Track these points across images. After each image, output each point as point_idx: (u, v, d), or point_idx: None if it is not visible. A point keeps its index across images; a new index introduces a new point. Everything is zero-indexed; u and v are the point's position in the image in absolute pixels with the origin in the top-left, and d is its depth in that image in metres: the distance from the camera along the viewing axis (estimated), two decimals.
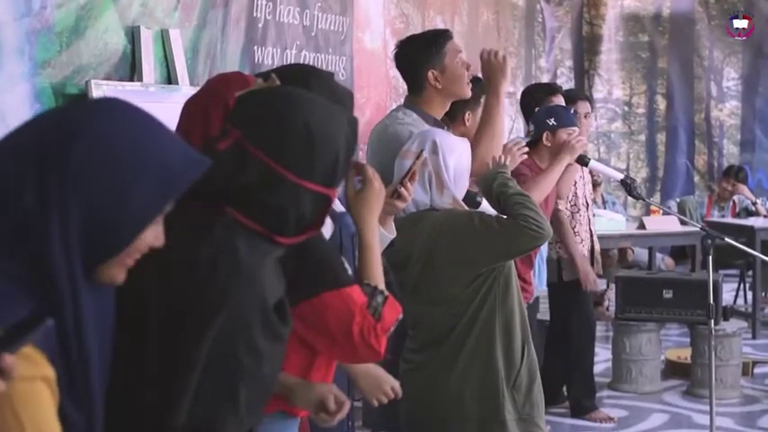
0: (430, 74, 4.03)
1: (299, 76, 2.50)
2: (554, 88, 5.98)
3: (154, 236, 1.64)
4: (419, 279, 3.54)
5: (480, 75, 4.17)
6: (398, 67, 4.24)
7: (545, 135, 5.23)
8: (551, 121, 5.21)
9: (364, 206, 2.36)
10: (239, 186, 1.96)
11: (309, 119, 2.01)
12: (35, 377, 1.51)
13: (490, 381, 3.51)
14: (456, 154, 3.52)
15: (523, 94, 6.07)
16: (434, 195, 3.53)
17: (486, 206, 3.64)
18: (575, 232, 5.82)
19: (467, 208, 3.57)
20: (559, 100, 5.69)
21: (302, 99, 2.06)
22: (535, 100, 5.72)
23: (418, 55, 4.09)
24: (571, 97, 6.04)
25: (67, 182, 1.54)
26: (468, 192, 3.60)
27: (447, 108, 4.16)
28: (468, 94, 4.10)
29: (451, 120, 4.60)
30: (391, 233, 3.20)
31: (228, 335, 1.89)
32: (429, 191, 3.52)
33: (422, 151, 3.30)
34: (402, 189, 3.18)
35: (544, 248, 5.47)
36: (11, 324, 1.44)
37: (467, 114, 4.71)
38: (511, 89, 10.80)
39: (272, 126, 2.00)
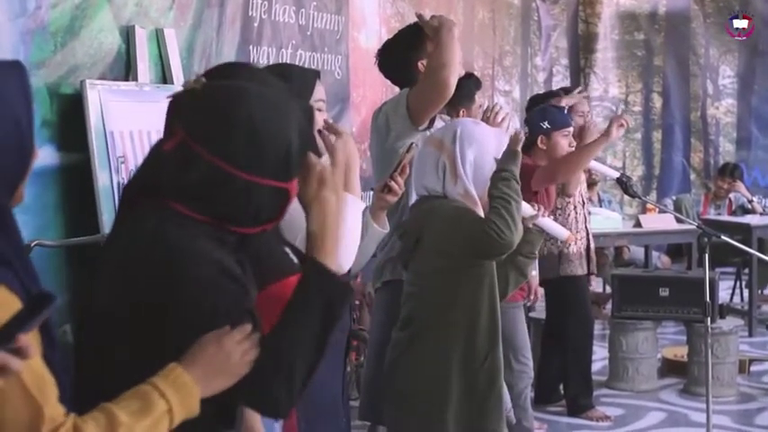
0: (420, 65, 4.06)
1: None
2: (556, 93, 5.97)
3: None
4: (411, 258, 3.57)
5: (475, 72, 4.18)
6: (386, 70, 4.25)
7: (540, 138, 5.24)
8: (545, 124, 5.23)
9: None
10: (189, 185, 1.94)
11: (253, 113, 1.95)
12: None
13: (441, 379, 3.48)
14: (478, 145, 3.47)
15: (529, 103, 6.07)
16: (447, 184, 3.51)
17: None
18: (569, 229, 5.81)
19: (477, 199, 3.51)
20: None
21: (245, 93, 1.98)
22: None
23: (406, 49, 4.12)
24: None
25: None
26: None
27: None
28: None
29: (448, 115, 4.61)
30: (384, 228, 3.19)
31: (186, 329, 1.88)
32: (441, 178, 3.49)
33: (412, 144, 3.28)
34: (392, 183, 3.18)
35: None
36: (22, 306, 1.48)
37: (461, 111, 4.73)
38: (507, 87, 10.81)
39: (216, 124, 1.95)
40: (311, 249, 1.99)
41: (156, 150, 2.01)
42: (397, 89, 4.29)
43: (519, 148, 3.45)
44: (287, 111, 2.01)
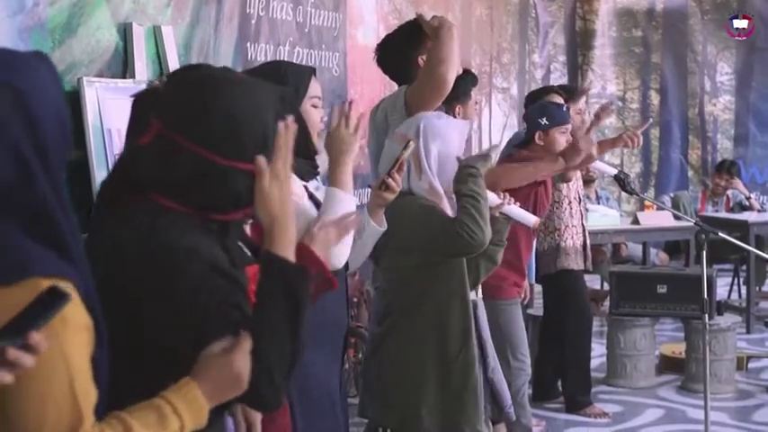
0: (419, 59, 4.07)
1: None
2: (554, 89, 5.96)
3: None
4: (382, 255, 3.57)
5: (473, 69, 4.19)
6: (385, 64, 4.25)
7: (537, 135, 5.24)
8: (543, 120, 5.22)
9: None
10: (170, 176, 1.94)
11: (229, 99, 1.96)
12: (86, 326, 1.61)
13: (416, 373, 3.49)
14: (441, 139, 3.49)
15: (527, 99, 6.06)
16: (412, 179, 3.53)
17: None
18: (566, 226, 5.82)
19: (442, 194, 3.53)
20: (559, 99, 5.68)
21: (219, 80, 2.00)
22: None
23: (405, 44, 4.13)
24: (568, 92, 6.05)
25: None
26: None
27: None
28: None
29: (444, 111, 4.61)
30: (381, 225, 3.20)
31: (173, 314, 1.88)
32: (406, 174, 3.50)
33: (410, 141, 3.29)
34: (390, 180, 3.18)
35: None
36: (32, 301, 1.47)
37: (457, 107, 4.72)
38: (504, 84, 10.81)
39: (193, 111, 1.95)
40: (264, 242, 1.97)
41: (132, 146, 2.01)
42: (395, 86, 4.29)
43: (493, 155, 3.50)
44: (261, 95, 2.02)
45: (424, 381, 3.49)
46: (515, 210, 3.70)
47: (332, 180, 2.98)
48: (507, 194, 3.76)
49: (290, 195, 1.98)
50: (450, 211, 3.57)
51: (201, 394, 1.77)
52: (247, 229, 2.36)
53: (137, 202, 1.95)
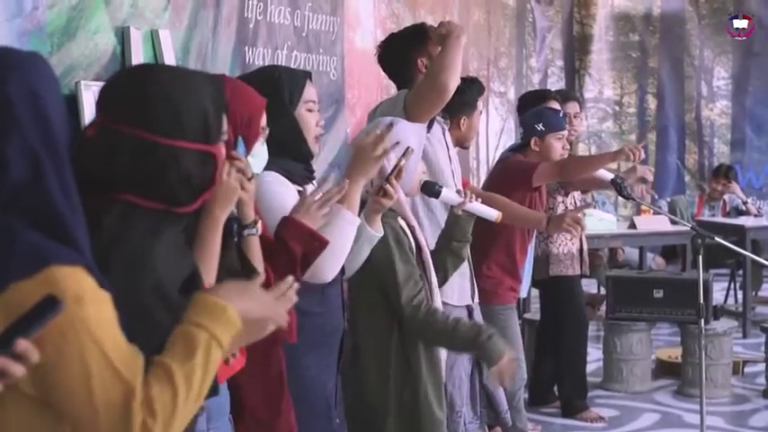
0: (419, 62, 4.06)
1: None
2: (549, 94, 5.97)
3: None
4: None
5: (470, 74, 4.18)
6: (385, 63, 4.24)
7: (533, 140, 5.25)
8: (540, 126, 5.23)
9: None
10: (118, 166, 1.97)
11: (163, 81, 2.01)
12: (106, 299, 1.64)
13: (379, 389, 3.45)
14: (399, 143, 3.44)
15: (520, 102, 6.07)
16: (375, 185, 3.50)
17: (446, 195, 3.60)
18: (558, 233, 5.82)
19: (404, 198, 3.49)
20: (554, 105, 5.68)
21: (152, 68, 2.16)
22: (531, 107, 5.70)
23: (407, 45, 4.13)
24: (561, 98, 6.06)
25: None
26: (426, 181, 3.55)
27: None
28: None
29: (449, 121, 4.61)
30: (378, 232, 3.20)
31: (128, 325, 1.87)
32: (369, 183, 3.46)
33: (408, 147, 3.27)
34: (388, 186, 3.18)
35: (530, 250, 5.48)
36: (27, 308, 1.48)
37: (462, 119, 4.73)
38: (502, 89, 10.82)
39: (130, 97, 2.00)
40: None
41: (79, 143, 2.02)
42: (392, 89, 4.29)
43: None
44: (195, 80, 2.07)
45: (387, 397, 3.45)
46: (477, 206, 3.69)
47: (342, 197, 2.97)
48: (468, 192, 3.73)
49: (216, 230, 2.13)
50: (409, 214, 3.55)
51: (216, 299, 1.76)
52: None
53: (102, 201, 1.95)
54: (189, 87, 2.03)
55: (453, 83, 3.86)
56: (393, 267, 3.38)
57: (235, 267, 2.35)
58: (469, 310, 4.17)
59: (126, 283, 1.85)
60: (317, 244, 2.73)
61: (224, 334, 1.74)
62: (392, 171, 3.19)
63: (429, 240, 3.76)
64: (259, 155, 2.70)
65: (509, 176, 5.20)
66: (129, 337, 1.70)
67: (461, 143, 4.82)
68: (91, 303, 1.60)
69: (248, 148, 2.59)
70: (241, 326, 1.77)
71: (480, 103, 4.85)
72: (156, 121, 1.97)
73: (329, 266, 2.89)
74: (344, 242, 2.95)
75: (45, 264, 1.57)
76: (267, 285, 2.03)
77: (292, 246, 2.68)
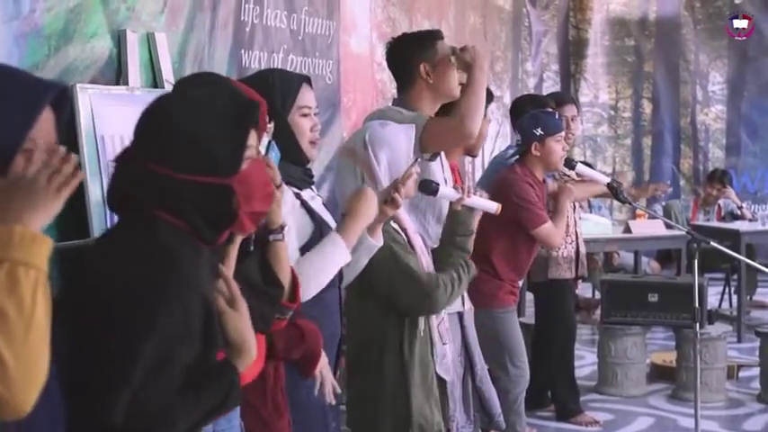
0: (422, 67, 4.01)
1: None
2: (544, 101, 5.95)
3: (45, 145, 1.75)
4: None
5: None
6: (390, 61, 4.23)
7: (534, 146, 5.24)
8: (538, 131, 5.22)
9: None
10: (134, 192, 2.03)
11: (170, 113, 2.06)
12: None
13: (375, 409, 3.46)
14: (388, 146, 3.40)
15: (513, 106, 6.04)
16: None
17: (444, 193, 3.60)
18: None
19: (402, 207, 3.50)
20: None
21: (165, 98, 2.15)
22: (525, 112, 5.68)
23: (411, 47, 4.10)
24: (558, 101, 6.06)
25: None
26: (423, 180, 3.54)
27: (436, 108, 4.11)
28: (458, 94, 3.98)
29: None
30: (378, 241, 3.19)
31: (170, 338, 1.92)
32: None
33: (417, 158, 3.27)
34: (396, 195, 3.17)
35: None
36: None
37: None
38: (497, 93, 10.84)
39: (140, 129, 2.07)
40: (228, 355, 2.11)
41: (115, 162, 2.13)
42: (388, 94, 4.28)
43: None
44: (208, 107, 2.07)
45: (379, 418, 3.47)
46: (476, 200, 3.68)
47: (341, 226, 2.99)
48: (466, 186, 3.73)
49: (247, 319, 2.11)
50: (405, 217, 3.56)
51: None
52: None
53: (138, 216, 2.03)
54: (195, 117, 2.04)
55: (477, 129, 3.86)
56: (398, 259, 3.39)
57: (253, 279, 2.36)
58: (460, 316, 4.15)
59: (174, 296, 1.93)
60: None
61: (22, 256, 1.67)
62: (400, 180, 3.19)
63: (435, 234, 3.83)
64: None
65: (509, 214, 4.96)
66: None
67: (470, 151, 4.81)
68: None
69: None
70: (40, 237, 1.72)
71: (489, 111, 4.78)
72: (164, 154, 2.02)
73: (306, 288, 2.85)
74: (329, 269, 2.95)
75: None
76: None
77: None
